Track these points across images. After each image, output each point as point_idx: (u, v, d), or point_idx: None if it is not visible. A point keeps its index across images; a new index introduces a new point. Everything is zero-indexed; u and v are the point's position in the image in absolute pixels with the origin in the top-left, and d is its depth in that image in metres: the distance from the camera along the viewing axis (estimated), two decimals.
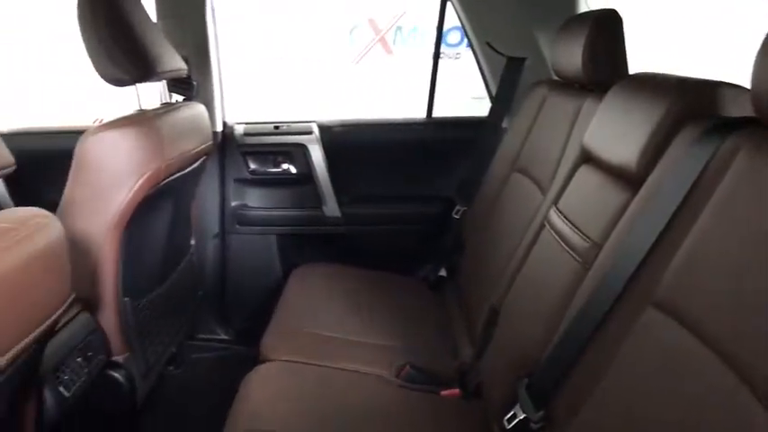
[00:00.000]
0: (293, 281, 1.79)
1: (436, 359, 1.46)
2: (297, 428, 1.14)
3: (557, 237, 1.13)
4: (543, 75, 1.69)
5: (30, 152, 1.75)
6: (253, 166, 2.02)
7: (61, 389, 1.14)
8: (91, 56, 1.25)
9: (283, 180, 2.05)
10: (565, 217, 1.13)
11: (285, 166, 2.03)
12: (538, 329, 1.06)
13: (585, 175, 1.15)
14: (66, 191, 1.23)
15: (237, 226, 2.05)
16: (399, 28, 4.64)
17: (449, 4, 1.86)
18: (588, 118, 1.19)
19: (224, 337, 2.12)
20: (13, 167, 0.70)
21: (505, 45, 1.79)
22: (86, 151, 1.20)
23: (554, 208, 1.20)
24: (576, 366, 0.89)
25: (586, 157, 1.17)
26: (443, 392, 1.35)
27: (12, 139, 1.68)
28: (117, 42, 1.24)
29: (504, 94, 1.84)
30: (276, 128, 2.00)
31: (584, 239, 1.03)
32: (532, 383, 0.98)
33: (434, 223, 2.03)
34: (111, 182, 1.21)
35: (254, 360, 1.43)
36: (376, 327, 1.57)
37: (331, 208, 2.02)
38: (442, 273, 1.90)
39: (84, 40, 1.24)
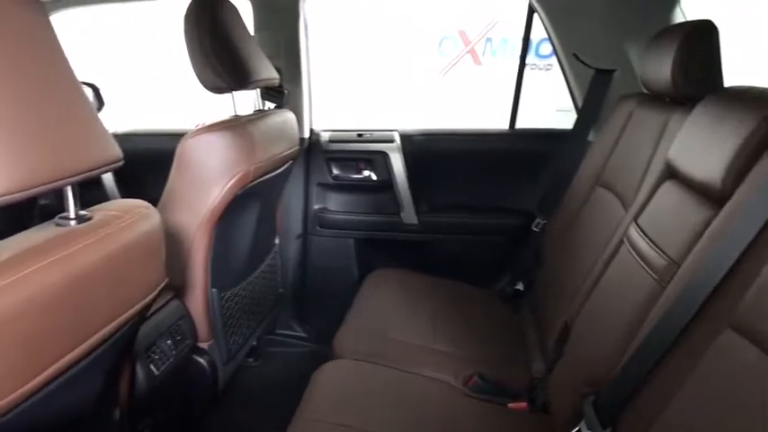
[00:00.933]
0: (369, 284, 1.83)
1: (505, 371, 1.45)
2: (360, 424, 1.18)
3: (634, 253, 1.10)
4: (632, 88, 1.64)
5: (137, 151, 1.93)
6: (336, 171, 2.10)
7: (152, 367, 1.24)
8: (194, 65, 1.36)
9: (364, 186, 2.12)
10: (644, 233, 1.10)
11: (366, 172, 2.09)
12: (609, 346, 1.04)
13: (668, 190, 1.11)
14: (167, 186, 1.35)
15: (319, 228, 2.13)
16: (489, 39, 4.61)
17: (535, 15, 1.85)
18: (675, 132, 1.15)
19: (301, 333, 2.21)
20: (121, 162, 0.79)
21: (593, 57, 1.75)
22: (186, 151, 1.31)
23: (634, 224, 1.17)
24: (646, 385, 0.86)
25: (671, 173, 1.13)
26: (511, 405, 1.34)
27: (123, 139, 1.86)
28: (217, 53, 1.35)
29: (591, 107, 1.80)
30: (359, 135, 2.08)
31: (663, 257, 0.99)
32: (599, 401, 0.96)
33: (513, 235, 2.01)
34: (206, 180, 1.32)
35: (328, 357, 1.49)
36: (447, 334, 1.58)
37: (409, 215, 2.06)
38: (519, 286, 1.87)
39: (189, 50, 1.35)
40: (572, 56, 1.77)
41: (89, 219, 0.79)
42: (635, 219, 1.18)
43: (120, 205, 0.87)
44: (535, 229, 1.89)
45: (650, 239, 1.06)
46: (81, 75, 0.76)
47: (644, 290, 1.01)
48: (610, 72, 1.74)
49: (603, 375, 0.99)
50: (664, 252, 1.00)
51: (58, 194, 0.75)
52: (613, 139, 1.52)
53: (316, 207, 2.13)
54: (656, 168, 1.22)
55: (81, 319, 0.73)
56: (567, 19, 1.77)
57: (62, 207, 0.77)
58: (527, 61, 3.61)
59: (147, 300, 0.88)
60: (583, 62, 1.75)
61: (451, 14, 4.50)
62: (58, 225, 0.77)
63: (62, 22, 2.07)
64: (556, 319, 1.41)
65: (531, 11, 1.89)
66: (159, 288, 0.92)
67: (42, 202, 2.06)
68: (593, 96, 1.79)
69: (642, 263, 1.05)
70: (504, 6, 4.32)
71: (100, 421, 1.00)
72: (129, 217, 0.83)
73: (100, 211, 0.82)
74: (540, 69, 4.12)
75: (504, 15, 4.40)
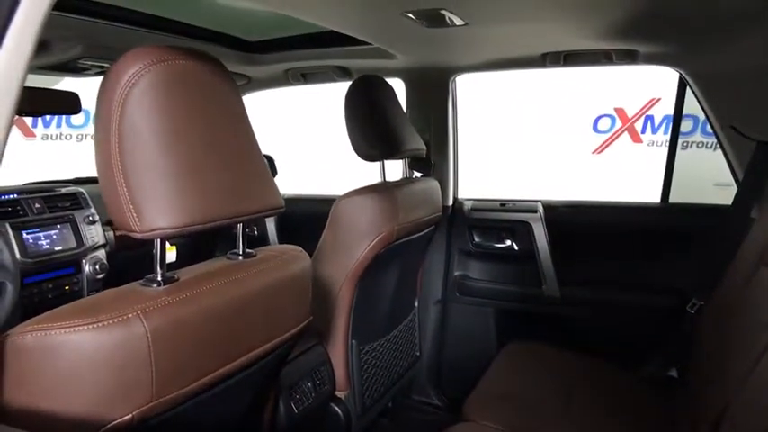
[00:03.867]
0: (506, 354, 1.82)
1: None
2: None
3: None
4: None
5: (296, 212, 2.17)
6: (477, 239, 2.16)
7: (292, 404, 1.37)
8: (351, 136, 1.56)
9: (505, 255, 2.14)
10: None
11: (508, 242, 2.12)
12: None
13: None
14: (320, 241, 1.53)
15: (458, 295, 2.18)
16: (650, 117, 4.46)
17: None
18: None
19: (436, 402, 2.22)
20: (283, 209, 0.95)
21: (754, 128, 1.65)
22: (339, 210, 1.49)
23: None
24: None
25: None
26: None
27: (288, 201, 2.13)
28: (372, 126, 1.54)
29: (753, 181, 1.68)
30: (502, 205, 2.13)
31: None
32: None
33: (665, 316, 1.87)
34: (354, 237, 1.47)
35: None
36: (583, 417, 1.49)
37: (551, 287, 2.03)
38: (672, 372, 1.73)
39: (347, 123, 1.56)
40: (729, 128, 1.69)
41: (253, 255, 0.96)
42: None
43: (279, 248, 1.04)
44: (690, 311, 1.75)
45: None
46: (262, 147, 0.95)
47: None
48: None
49: None
50: None
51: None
52: None
53: (456, 274, 2.19)
54: None
55: (240, 336, 0.87)
56: (722, 90, 1.71)
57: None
58: (693, 139, 3.44)
59: (294, 331, 1.01)
60: (742, 134, 1.66)
61: (607, 93, 4.46)
62: (228, 258, 0.95)
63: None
64: (711, 406, 1.28)
65: (683, 84, 1.85)
66: (304, 323, 1.05)
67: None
68: (756, 170, 1.67)
69: None
70: (665, 84, 4.19)
71: None
72: (285, 257, 0.99)
73: (262, 252, 0.99)
74: (708, 148, 3.88)
75: (666, 93, 4.26)
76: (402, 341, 1.86)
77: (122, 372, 0.69)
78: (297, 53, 1.98)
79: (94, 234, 1.87)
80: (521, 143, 4.53)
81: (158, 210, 0.74)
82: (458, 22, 1.32)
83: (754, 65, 1.60)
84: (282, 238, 2.46)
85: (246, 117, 0.90)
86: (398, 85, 1.94)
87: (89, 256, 1.84)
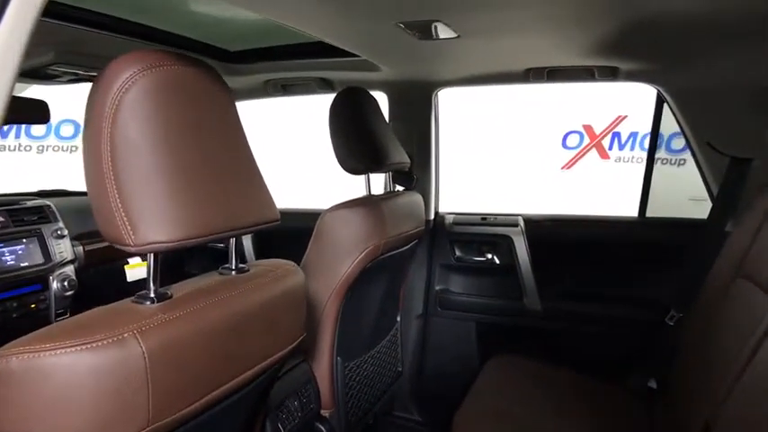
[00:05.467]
0: (490, 368, 1.81)
1: None
2: None
3: None
4: None
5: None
6: (459, 253, 2.16)
7: (279, 425, 1.32)
8: (335, 149, 1.53)
9: (487, 269, 2.14)
10: None
11: (489, 255, 2.12)
12: None
13: None
14: (305, 256, 1.49)
15: (439, 309, 2.17)
16: (617, 133, 4.59)
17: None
18: None
19: (417, 418, 2.19)
20: (278, 221, 0.92)
21: (729, 145, 1.70)
22: (325, 223, 1.46)
23: None
24: None
25: None
26: None
27: None
28: (357, 140, 1.52)
29: (727, 196, 1.73)
30: (483, 219, 2.14)
31: None
32: None
33: (644, 328, 1.90)
34: (340, 251, 1.44)
35: None
36: (570, 428, 1.50)
37: (532, 301, 2.04)
38: (652, 384, 1.75)
39: (332, 136, 1.53)
40: (705, 144, 1.74)
41: (246, 270, 0.92)
42: None
43: (271, 262, 1.00)
44: (669, 323, 1.78)
45: None
46: None
47: None
48: (747, 161, 1.68)
49: None
50: None
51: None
52: (755, 228, 1.44)
53: (438, 288, 2.18)
54: None
55: (237, 354, 0.83)
56: (699, 108, 1.76)
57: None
58: (658, 156, 3.54)
59: (290, 348, 0.98)
60: (718, 150, 1.71)
61: (576, 109, 4.57)
62: (221, 274, 0.91)
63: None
64: (694, 420, 1.30)
65: (661, 100, 1.89)
66: (299, 340, 1.01)
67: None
68: (730, 185, 1.72)
69: None
70: (632, 102, 4.32)
71: None
72: (280, 272, 0.95)
73: (255, 266, 0.95)
74: (672, 164, 4.00)
75: (632, 110, 4.40)
76: (385, 357, 1.83)
77: (118, 395, 0.65)
78: (278, 64, 1.95)
79: (63, 249, 1.79)
80: (492, 158, 4.59)
81: (154, 223, 0.70)
82: (451, 34, 1.32)
83: (730, 83, 1.65)
84: (259, 254, 2.40)
85: (241, 126, 0.87)
86: (380, 98, 1.93)
87: (57, 273, 1.76)
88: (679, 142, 3.96)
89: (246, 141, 0.87)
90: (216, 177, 0.78)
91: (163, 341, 0.69)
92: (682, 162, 3.99)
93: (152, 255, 0.74)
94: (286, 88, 2.13)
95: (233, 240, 0.90)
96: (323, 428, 1.54)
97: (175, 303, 0.75)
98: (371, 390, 1.75)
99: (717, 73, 1.58)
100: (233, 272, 0.91)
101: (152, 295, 0.75)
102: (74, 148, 4.44)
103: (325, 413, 1.55)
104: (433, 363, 2.19)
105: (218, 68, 1.93)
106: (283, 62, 1.93)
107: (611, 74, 1.69)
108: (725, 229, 1.73)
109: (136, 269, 2.14)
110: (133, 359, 0.65)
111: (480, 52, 1.58)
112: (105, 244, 1.91)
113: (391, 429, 2.13)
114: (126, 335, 0.65)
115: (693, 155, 1.82)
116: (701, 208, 1.87)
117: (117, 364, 0.64)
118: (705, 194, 1.85)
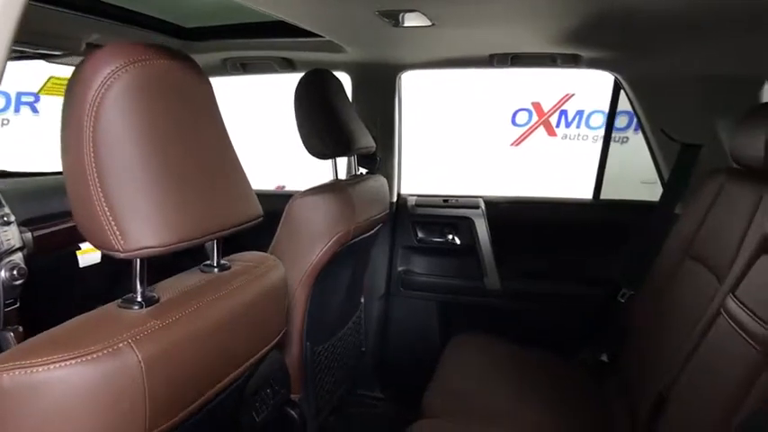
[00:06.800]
0: (453, 347, 1.86)
1: None
2: None
3: (734, 325, 1.10)
4: (720, 162, 1.66)
5: None
6: (421, 234, 2.19)
7: (254, 413, 1.32)
8: (301, 134, 1.51)
9: (448, 250, 2.18)
10: (744, 305, 1.10)
11: (451, 236, 2.16)
12: (711, 420, 1.03)
13: (767, 264, 1.12)
14: (273, 242, 1.47)
15: (402, 289, 2.20)
16: (564, 111, 4.71)
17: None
18: None
19: (379, 395, 2.24)
20: (261, 218, 0.91)
21: (680, 132, 1.79)
22: (293, 210, 1.43)
23: (731, 296, 1.17)
24: None
25: None
26: None
27: None
28: (324, 124, 1.50)
29: (678, 181, 1.82)
30: (445, 201, 2.17)
31: (766, 328, 0.99)
32: None
33: (597, 306, 1.99)
34: (310, 237, 1.43)
35: (407, 420, 1.51)
36: (533, 403, 1.57)
37: (492, 280, 2.10)
38: (603, 357, 1.85)
39: (298, 120, 1.51)
40: (659, 131, 1.82)
41: (228, 267, 0.91)
42: (732, 291, 1.18)
43: (251, 257, 0.99)
44: (621, 300, 1.87)
45: (751, 311, 1.06)
46: None
47: (747, 361, 1.01)
48: (698, 147, 1.77)
49: None
50: (766, 323, 1.00)
51: None
52: (703, 211, 1.53)
53: (400, 269, 2.21)
54: (751, 242, 1.22)
55: (228, 352, 0.83)
56: (654, 95, 1.83)
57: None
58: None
59: (275, 341, 0.97)
60: (671, 137, 1.79)
61: (526, 87, 4.65)
62: (203, 271, 0.89)
63: None
64: (647, 391, 1.38)
65: (617, 86, 1.96)
66: (283, 332, 1.01)
67: None
68: (681, 170, 1.81)
69: (744, 334, 1.05)
70: (578, 80, 4.43)
71: None
72: (263, 268, 0.94)
73: (236, 262, 0.94)
74: (615, 142, 4.17)
75: (579, 89, 4.51)
76: (351, 338, 1.85)
77: (115, 407, 0.63)
78: (237, 42, 1.89)
79: (10, 236, 1.68)
80: (443, 135, 4.62)
81: (144, 227, 0.67)
82: (425, 23, 1.31)
83: (683, 73, 1.73)
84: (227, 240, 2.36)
85: (222, 120, 0.84)
86: (343, 78, 1.91)
87: (4, 261, 1.65)
88: (623, 120, 4.15)
89: (228, 135, 0.85)
90: (202, 176, 0.76)
91: (158, 348, 0.67)
92: (625, 140, 4.17)
93: (138, 260, 0.72)
94: (245, 67, 2.07)
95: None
96: (293, 413, 1.55)
97: (165, 307, 0.73)
98: (339, 371, 1.77)
99: (671, 63, 1.65)
100: (215, 269, 0.89)
101: (139, 299, 0.72)
102: (5, 122, 4.17)
103: (294, 398, 1.55)
104: (396, 341, 2.23)
105: (173, 46, 1.87)
106: (242, 40, 1.86)
107: (573, 61, 1.73)
108: (674, 212, 1.83)
109: (88, 254, 2.06)
110: (129, 369, 0.64)
111: (448, 38, 1.58)
112: (55, 229, 1.83)
113: (355, 407, 2.17)
114: (121, 345, 0.63)
115: (647, 140, 1.90)
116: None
117: (113, 376, 0.62)
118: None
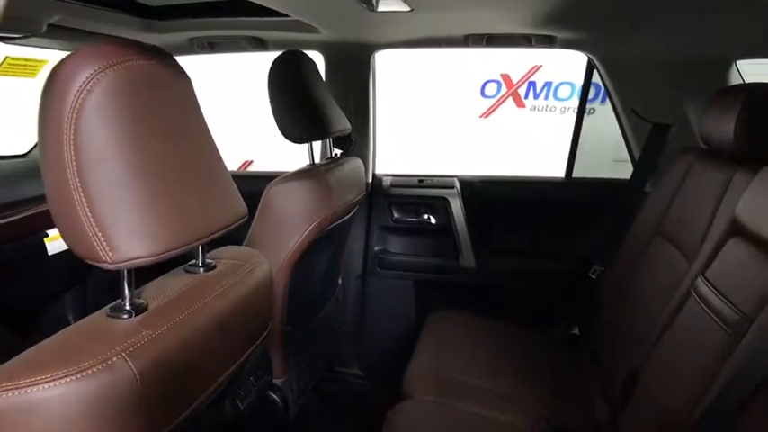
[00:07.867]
0: (431, 325, 1.89)
1: (569, 415, 1.48)
2: None
3: (704, 307, 1.15)
4: (689, 142, 1.70)
5: None
6: (396, 214, 2.20)
7: (237, 401, 1.33)
8: (276, 117, 1.47)
9: (424, 229, 2.20)
10: (714, 287, 1.15)
11: (426, 216, 2.18)
12: (682, 397, 1.08)
13: (736, 247, 1.16)
14: (251, 230, 1.46)
15: (378, 269, 2.21)
16: (533, 83, 4.73)
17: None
18: (739, 190, 1.20)
19: (358, 372, 2.27)
20: (246, 217, 0.90)
21: (651, 112, 1.82)
22: (271, 197, 1.41)
23: (701, 278, 1.21)
24: None
25: (737, 230, 1.18)
26: None
27: None
28: (300, 106, 1.47)
29: (648, 160, 1.86)
30: (420, 181, 2.17)
31: (735, 311, 1.04)
32: None
33: (569, 281, 2.05)
34: (289, 224, 1.42)
35: (386, 397, 1.54)
36: (509, 378, 1.62)
37: (467, 259, 2.13)
38: (575, 331, 1.91)
39: (272, 103, 1.47)
40: (630, 111, 1.85)
41: (213, 266, 0.89)
42: (702, 272, 1.23)
43: (234, 253, 0.98)
44: (592, 276, 1.93)
45: (721, 294, 1.11)
46: None
47: (716, 342, 1.06)
48: (667, 126, 1.81)
49: (678, 424, 1.03)
50: (736, 306, 1.05)
51: None
52: (672, 190, 1.57)
53: (376, 249, 2.22)
54: (720, 224, 1.26)
55: (220, 354, 0.82)
56: (626, 76, 1.86)
57: None
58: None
59: (265, 334, 0.98)
60: (641, 117, 1.82)
61: (495, 58, 4.63)
62: (188, 272, 0.87)
63: None
64: (619, 365, 1.44)
65: (591, 67, 1.98)
66: (270, 327, 1.01)
67: None
68: (651, 149, 1.85)
69: (714, 316, 1.10)
70: (547, 52, 4.45)
71: None
72: (248, 265, 0.93)
73: (220, 260, 0.93)
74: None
75: (547, 60, 4.53)
76: (329, 319, 1.86)
77: (111, 422, 0.62)
78: (204, 21, 1.82)
79: None
80: (412, 107, 4.59)
81: (132, 237, 0.66)
82: (403, 8, 1.29)
83: (653, 55, 1.75)
84: None
85: (204, 119, 0.82)
86: (316, 58, 1.87)
87: None
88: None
89: (210, 134, 0.83)
90: (188, 180, 0.74)
91: (152, 359, 0.67)
92: (591, 111, 4.23)
93: (126, 270, 0.70)
94: (213, 46, 2.00)
95: None
96: (276, 397, 1.56)
97: (155, 315, 0.72)
98: (318, 352, 1.79)
99: (643, 44, 1.67)
100: (201, 269, 0.88)
101: (128, 307, 0.71)
102: None
103: (277, 382, 1.57)
104: (373, 320, 2.26)
105: (137, 25, 1.81)
106: (211, 19, 1.80)
107: (547, 42, 1.73)
108: (644, 190, 1.88)
109: (56, 242, 2.00)
110: (125, 383, 0.63)
111: (424, 20, 1.56)
112: (21, 216, 1.76)
113: (334, 385, 2.20)
114: (115, 359, 0.63)
115: (618, 119, 1.93)
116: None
117: (109, 391, 0.62)
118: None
